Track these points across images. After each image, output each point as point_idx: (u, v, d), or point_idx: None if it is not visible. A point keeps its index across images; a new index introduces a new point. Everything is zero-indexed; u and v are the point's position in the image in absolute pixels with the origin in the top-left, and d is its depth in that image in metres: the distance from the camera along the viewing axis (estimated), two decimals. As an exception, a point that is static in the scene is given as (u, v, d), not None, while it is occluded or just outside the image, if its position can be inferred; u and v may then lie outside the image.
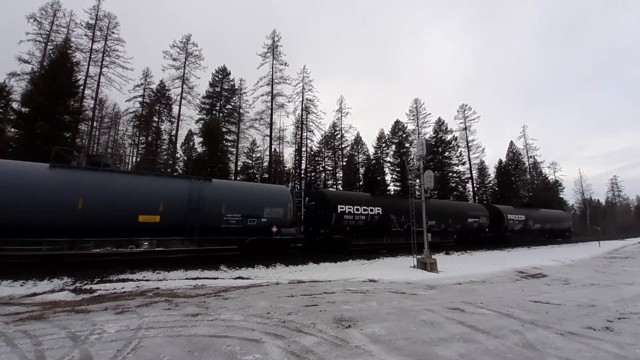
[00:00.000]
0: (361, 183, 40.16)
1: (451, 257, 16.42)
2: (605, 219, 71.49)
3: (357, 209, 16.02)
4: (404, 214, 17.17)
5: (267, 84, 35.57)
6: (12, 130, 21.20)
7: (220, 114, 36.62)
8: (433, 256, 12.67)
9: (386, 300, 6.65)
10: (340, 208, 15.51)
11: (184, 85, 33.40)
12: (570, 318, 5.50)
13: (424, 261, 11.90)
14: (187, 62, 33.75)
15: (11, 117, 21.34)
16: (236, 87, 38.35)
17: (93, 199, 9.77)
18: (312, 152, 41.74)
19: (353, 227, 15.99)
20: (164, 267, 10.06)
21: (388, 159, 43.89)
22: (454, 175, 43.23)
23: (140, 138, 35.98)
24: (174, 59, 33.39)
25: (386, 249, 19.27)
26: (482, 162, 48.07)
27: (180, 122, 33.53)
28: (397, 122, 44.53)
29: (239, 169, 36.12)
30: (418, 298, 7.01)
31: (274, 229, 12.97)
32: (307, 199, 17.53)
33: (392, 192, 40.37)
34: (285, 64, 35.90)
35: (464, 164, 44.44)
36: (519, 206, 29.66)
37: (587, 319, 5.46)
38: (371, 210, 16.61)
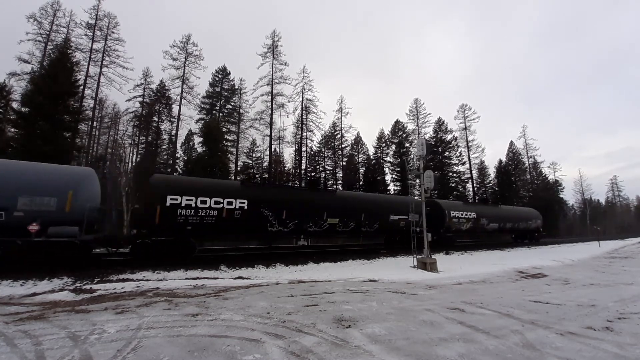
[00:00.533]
0: (361, 183, 40.17)
1: (451, 257, 16.43)
2: (605, 219, 71.50)
3: (204, 201, 11.93)
4: (287, 209, 13.75)
5: (267, 84, 35.63)
6: (12, 130, 21.21)
7: (220, 114, 36.64)
8: (433, 256, 12.67)
9: (386, 300, 6.65)
10: (172, 199, 11.44)
11: (184, 85, 33.43)
12: (570, 318, 5.50)
13: (424, 261, 11.90)
14: (187, 62, 33.79)
15: (11, 117, 21.35)
16: (236, 87, 38.40)
17: None
18: (312, 152, 41.79)
19: (198, 226, 11.90)
20: (163, 267, 10.05)
21: (388, 159, 43.97)
22: (454, 175, 43.27)
23: (140, 138, 35.95)
24: (174, 59, 33.43)
25: (259, 255, 14.80)
26: (482, 162, 48.17)
27: (180, 122, 33.57)
28: (397, 122, 44.59)
29: (239, 169, 36.14)
30: (418, 298, 7.01)
31: (33, 228, 8.99)
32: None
33: (392, 192, 40.34)
34: (285, 63, 35.96)
35: (464, 164, 44.53)
36: (470, 202, 26.21)
37: (587, 319, 5.46)
38: (229, 203, 12.34)
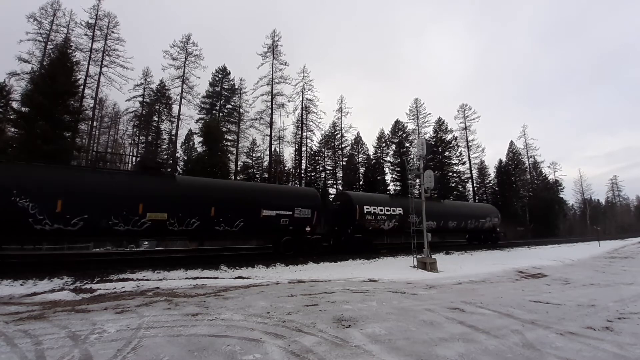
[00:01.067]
0: (361, 183, 40.20)
1: (451, 257, 16.46)
2: (605, 219, 71.57)
3: None
4: (66, 198, 9.92)
5: (267, 84, 35.66)
6: (12, 130, 21.21)
7: (220, 114, 36.65)
8: (433, 257, 12.67)
9: (386, 300, 6.65)
10: None
11: (184, 85, 33.44)
12: (570, 318, 5.50)
13: (424, 261, 11.90)
14: (187, 62, 33.80)
15: (11, 117, 21.34)
16: (236, 87, 38.41)
17: None
18: (312, 152, 41.80)
19: None
20: (164, 267, 10.05)
21: (388, 158, 43.99)
22: (454, 175, 43.29)
23: (140, 138, 36.00)
24: (174, 59, 33.44)
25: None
26: (482, 162, 48.24)
27: (180, 122, 33.64)
28: (397, 122, 44.60)
29: (239, 168, 36.15)
30: (418, 298, 7.01)
31: None
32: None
33: (391, 192, 40.35)
34: (285, 63, 35.99)
35: (464, 163, 44.59)
36: (397, 196, 21.42)
37: (587, 319, 5.46)
38: None
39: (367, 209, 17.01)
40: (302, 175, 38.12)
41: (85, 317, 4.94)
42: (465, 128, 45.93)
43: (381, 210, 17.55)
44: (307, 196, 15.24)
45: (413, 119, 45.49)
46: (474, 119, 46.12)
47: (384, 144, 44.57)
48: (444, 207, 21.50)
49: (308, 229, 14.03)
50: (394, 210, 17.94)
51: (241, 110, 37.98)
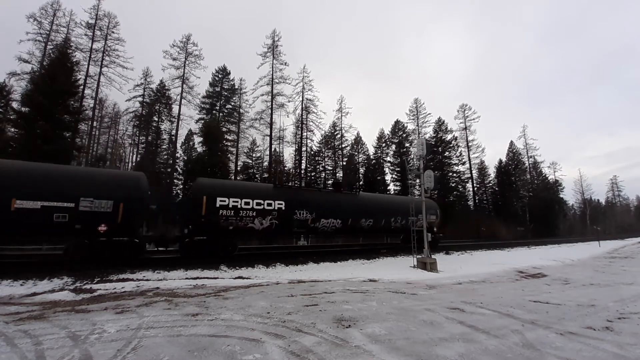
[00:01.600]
0: (361, 183, 40.21)
1: (451, 257, 16.44)
2: (605, 219, 71.61)
3: None
4: None
5: (267, 84, 35.64)
6: (12, 130, 21.21)
7: (220, 114, 36.64)
8: (433, 257, 12.67)
9: (386, 300, 6.65)
10: None
11: (184, 85, 33.42)
12: (570, 318, 5.50)
13: (424, 261, 11.90)
14: (187, 62, 33.77)
15: (11, 117, 21.35)
16: (236, 87, 38.40)
17: None
18: (312, 152, 41.80)
19: None
20: (164, 267, 10.05)
21: (388, 158, 44.00)
22: (454, 175, 43.27)
23: (140, 138, 35.98)
24: (174, 59, 33.42)
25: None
26: (482, 162, 48.24)
27: (180, 122, 33.58)
28: (397, 122, 44.61)
29: (239, 168, 36.14)
30: (418, 298, 7.01)
31: None
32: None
33: (392, 192, 40.36)
34: (285, 63, 35.97)
35: (464, 163, 44.55)
36: (283, 186, 15.85)
37: (587, 319, 5.45)
38: None
39: (222, 201, 12.32)
40: (302, 175, 38.13)
41: (85, 317, 4.94)
42: (465, 128, 45.95)
43: (248, 203, 12.79)
44: (107, 181, 10.75)
45: (413, 119, 45.52)
46: (474, 119, 46.17)
47: (384, 144, 44.59)
48: (355, 200, 16.64)
49: (103, 228, 10.41)
50: (269, 204, 13.27)
51: (241, 110, 37.99)
